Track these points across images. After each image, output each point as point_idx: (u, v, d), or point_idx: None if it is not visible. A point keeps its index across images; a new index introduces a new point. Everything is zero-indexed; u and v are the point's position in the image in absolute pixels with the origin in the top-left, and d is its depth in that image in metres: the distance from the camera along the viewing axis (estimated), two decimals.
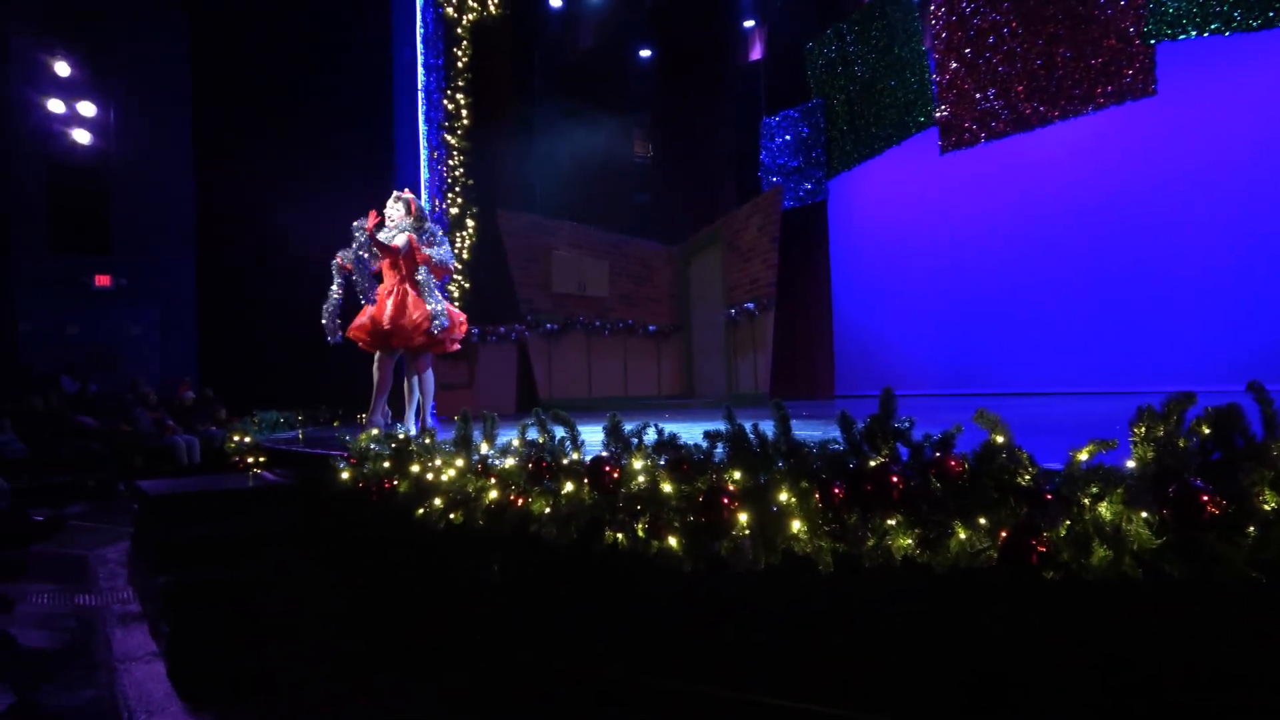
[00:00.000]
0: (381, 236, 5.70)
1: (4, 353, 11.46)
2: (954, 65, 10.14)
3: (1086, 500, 2.05)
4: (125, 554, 5.98)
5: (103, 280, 13.36)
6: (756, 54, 13.63)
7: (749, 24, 13.55)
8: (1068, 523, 2.04)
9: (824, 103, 12.17)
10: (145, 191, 13.54)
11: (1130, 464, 2.06)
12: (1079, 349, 9.79)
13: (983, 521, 2.14)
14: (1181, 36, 8.53)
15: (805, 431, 2.69)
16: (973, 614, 2.27)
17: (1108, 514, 2.01)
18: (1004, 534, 2.08)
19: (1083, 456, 2.12)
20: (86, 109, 12.95)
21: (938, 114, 10.44)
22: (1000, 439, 2.19)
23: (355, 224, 5.64)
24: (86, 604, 4.82)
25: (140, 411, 10.03)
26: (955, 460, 2.23)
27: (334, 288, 5.70)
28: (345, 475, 4.21)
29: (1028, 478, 2.14)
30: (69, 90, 12.83)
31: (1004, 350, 10.60)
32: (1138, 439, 2.07)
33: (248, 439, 7.03)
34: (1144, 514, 1.97)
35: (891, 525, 2.24)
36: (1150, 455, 2.04)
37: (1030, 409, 6.81)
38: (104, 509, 8.09)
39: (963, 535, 2.15)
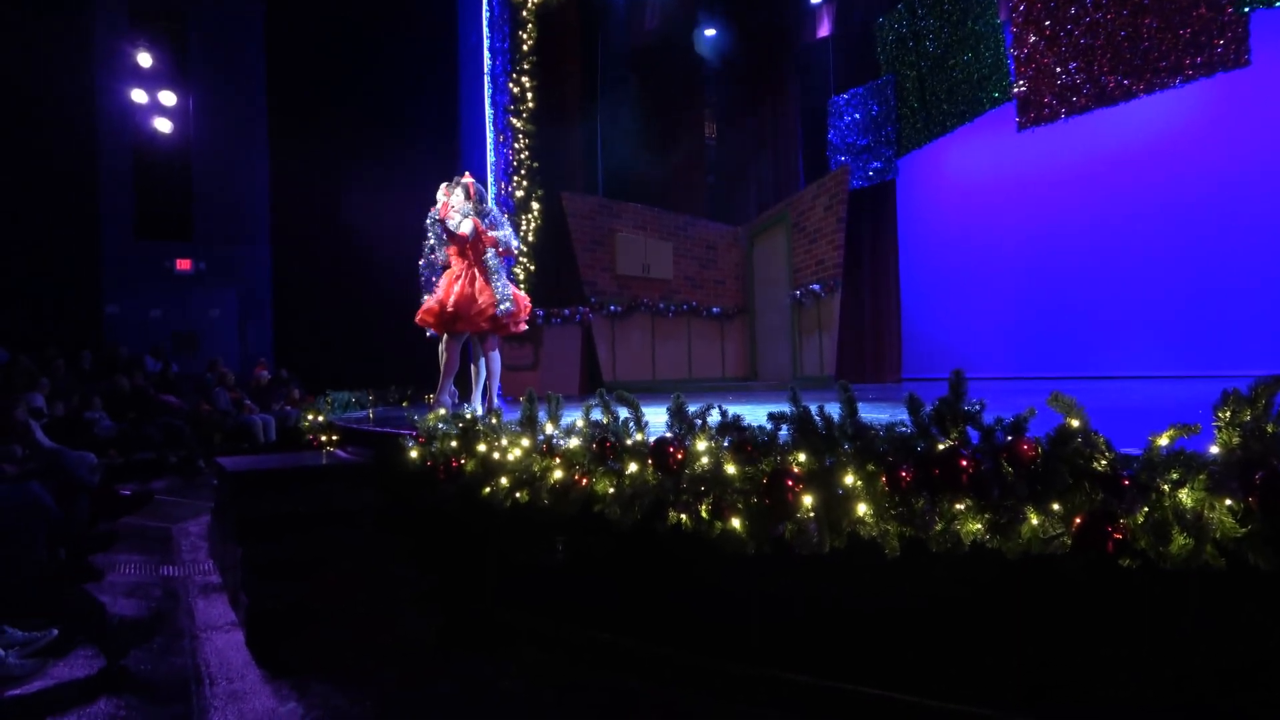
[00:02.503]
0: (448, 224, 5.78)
1: (93, 335, 11.96)
2: (1032, 38, 9.80)
3: (1166, 486, 1.99)
4: (206, 527, 6.21)
5: (184, 265, 13.84)
6: (824, 31, 13.37)
7: (816, 0, 13.30)
8: (1146, 509, 1.98)
9: (894, 79, 11.89)
10: (223, 179, 13.96)
11: (1214, 449, 1.99)
12: (1158, 332, 9.44)
13: (1056, 507, 2.09)
14: (1278, 3, 8.10)
15: (872, 414, 2.66)
16: (1043, 601, 2.22)
17: (1189, 501, 1.95)
18: (1079, 520, 2.03)
19: (1163, 441, 2.06)
20: (168, 99, 13.38)
21: (1015, 89, 10.10)
22: (1076, 423, 2.13)
23: (429, 218, 5.77)
24: (171, 575, 5.03)
25: (220, 391, 10.38)
26: (1028, 444, 2.18)
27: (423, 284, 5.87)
28: (414, 454, 4.30)
29: (1104, 463, 2.08)
30: (151, 81, 13.26)
31: (1078, 333, 10.28)
32: (1222, 424, 2.00)
33: (321, 418, 7.22)
34: (1228, 501, 1.91)
35: (960, 510, 2.20)
36: (1236, 441, 1.96)
37: (1106, 393, 6.60)
38: (186, 484, 8.40)
39: (1035, 521, 2.10)
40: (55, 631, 3.47)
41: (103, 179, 12.73)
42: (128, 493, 6.70)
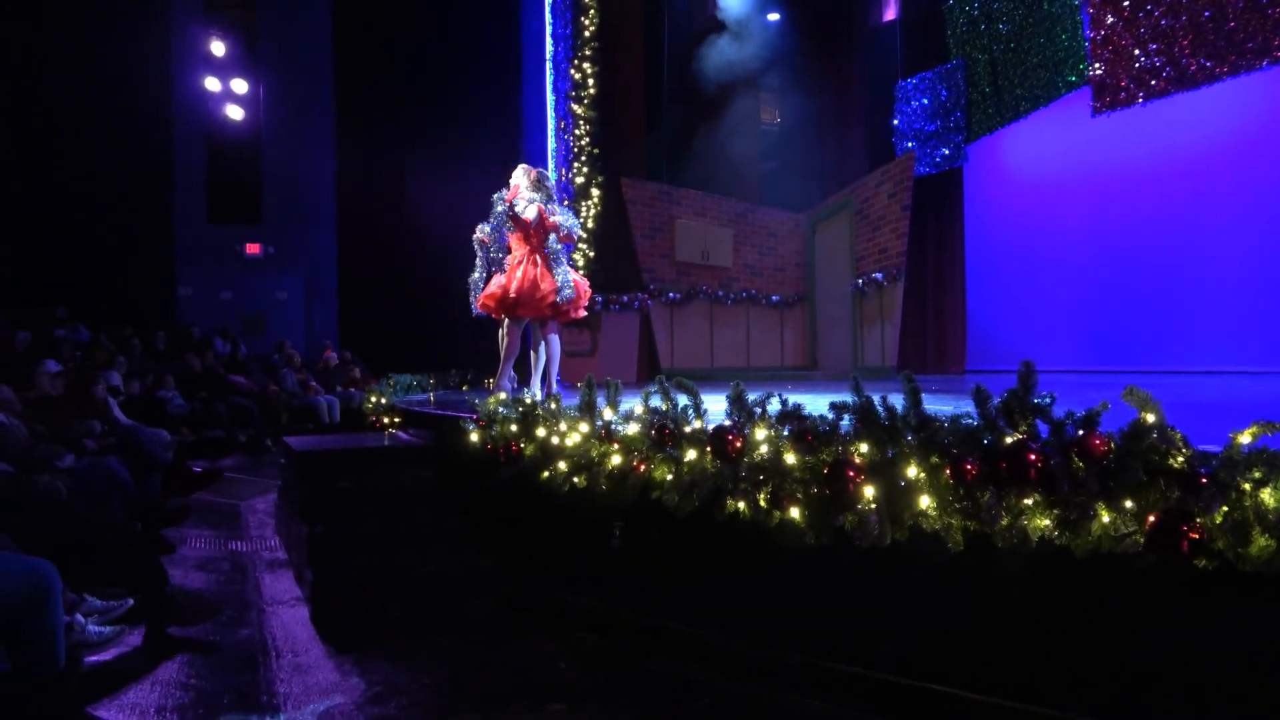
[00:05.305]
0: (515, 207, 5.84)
1: (167, 316, 12.36)
2: (1110, 19, 9.47)
3: (1247, 486, 1.91)
4: (273, 505, 6.38)
5: (253, 249, 14.20)
6: (891, 14, 13.11)
7: None
8: (1225, 509, 1.91)
9: (965, 63, 11.61)
10: (291, 165, 14.27)
11: None
12: (1237, 325, 9.07)
13: (1129, 504, 2.03)
14: None
15: (936, 406, 2.60)
16: (1110, 600, 2.15)
17: (1271, 501, 1.87)
18: (1152, 518, 1.97)
19: (1244, 439, 1.98)
20: (239, 86, 13.71)
21: (1091, 73, 9.77)
22: (1151, 418, 2.06)
23: (496, 195, 5.84)
24: (239, 550, 5.18)
25: (286, 372, 10.63)
26: (1100, 439, 2.11)
27: (477, 264, 5.90)
28: (474, 437, 4.35)
29: (1180, 460, 2.01)
30: (224, 69, 13.60)
31: (1151, 326, 9.94)
32: None
33: (383, 400, 7.36)
34: None
35: (1028, 505, 2.15)
36: None
37: (1181, 388, 6.38)
38: (254, 462, 8.62)
39: (1106, 518, 2.04)
40: (130, 601, 3.60)
41: (177, 165, 13.10)
42: (199, 469, 6.91)
